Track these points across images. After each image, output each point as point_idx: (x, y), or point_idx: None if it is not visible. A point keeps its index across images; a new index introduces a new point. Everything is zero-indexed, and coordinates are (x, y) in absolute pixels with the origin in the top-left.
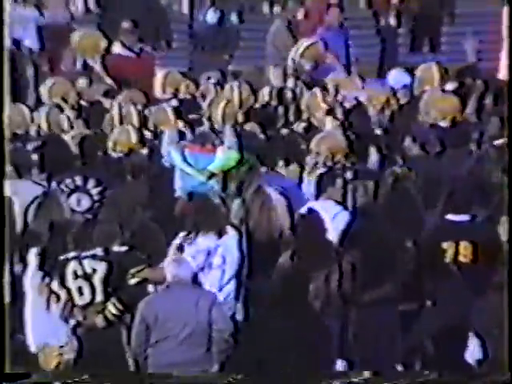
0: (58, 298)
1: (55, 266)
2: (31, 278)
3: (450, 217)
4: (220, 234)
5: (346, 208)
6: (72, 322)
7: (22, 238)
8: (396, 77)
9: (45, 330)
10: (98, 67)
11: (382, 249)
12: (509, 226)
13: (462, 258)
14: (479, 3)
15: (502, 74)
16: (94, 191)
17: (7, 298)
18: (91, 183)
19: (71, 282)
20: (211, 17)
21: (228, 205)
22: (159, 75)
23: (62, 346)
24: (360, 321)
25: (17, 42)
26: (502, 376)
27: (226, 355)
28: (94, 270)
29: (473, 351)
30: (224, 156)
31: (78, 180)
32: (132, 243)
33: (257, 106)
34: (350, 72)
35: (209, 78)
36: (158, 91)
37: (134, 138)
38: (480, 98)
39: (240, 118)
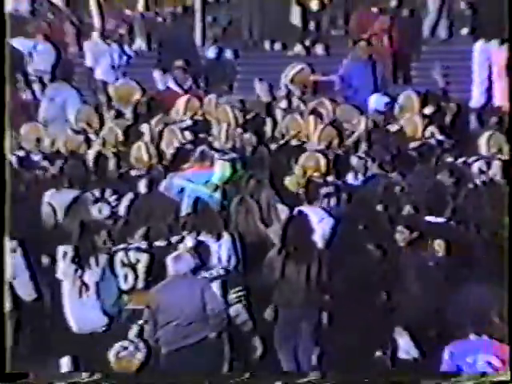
0: (87, 287)
1: (86, 259)
2: (66, 271)
3: (428, 218)
4: (219, 236)
5: (330, 214)
6: (136, 326)
7: (52, 236)
8: (376, 100)
9: (80, 315)
10: (128, 113)
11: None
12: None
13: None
14: (448, 43)
15: (474, 102)
16: (112, 199)
17: (33, 295)
18: (108, 193)
19: (119, 270)
20: (212, 53)
21: (228, 212)
22: (182, 100)
23: (133, 351)
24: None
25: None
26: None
27: (221, 326)
28: (138, 260)
29: (405, 348)
30: (221, 169)
31: (97, 192)
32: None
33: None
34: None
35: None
36: (179, 113)
37: (145, 155)
38: (452, 120)
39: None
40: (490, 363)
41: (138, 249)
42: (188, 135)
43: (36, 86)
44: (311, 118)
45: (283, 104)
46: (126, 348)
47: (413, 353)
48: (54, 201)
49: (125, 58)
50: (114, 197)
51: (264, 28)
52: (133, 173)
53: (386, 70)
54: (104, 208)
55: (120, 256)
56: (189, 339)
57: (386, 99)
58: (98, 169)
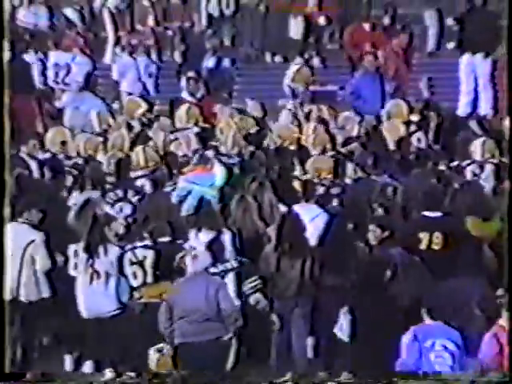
0: (98, 275)
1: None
2: (79, 260)
3: (425, 213)
4: (219, 232)
5: (326, 211)
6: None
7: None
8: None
9: (92, 301)
10: (137, 125)
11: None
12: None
13: (434, 246)
14: (436, 56)
15: (461, 111)
16: (134, 199)
17: (47, 293)
18: (131, 193)
19: (128, 268)
20: (212, 63)
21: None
22: (183, 109)
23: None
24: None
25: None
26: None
27: (236, 327)
28: (145, 257)
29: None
30: (221, 172)
31: (120, 193)
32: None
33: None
34: (383, 106)
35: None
36: (181, 121)
37: (141, 158)
38: (437, 127)
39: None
40: (446, 347)
41: (145, 246)
42: (196, 141)
43: (69, 95)
44: (307, 124)
45: (290, 105)
46: (161, 350)
47: (344, 334)
48: (78, 201)
49: (150, 70)
50: (137, 197)
51: (265, 42)
52: (139, 175)
53: (401, 82)
54: (125, 207)
55: (128, 255)
56: (202, 336)
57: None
58: (112, 171)
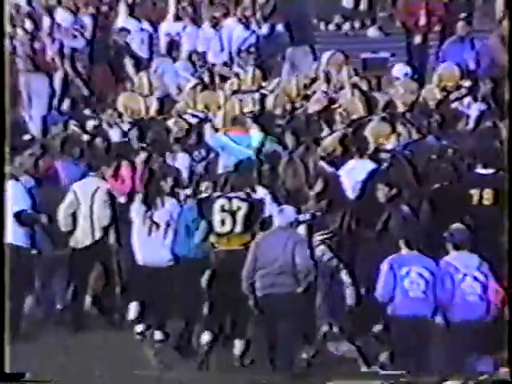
0: (158, 226)
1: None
2: (137, 211)
3: (478, 170)
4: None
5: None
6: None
7: None
8: (400, 68)
9: (147, 251)
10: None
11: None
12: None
13: (485, 202)
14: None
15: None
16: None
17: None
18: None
19: (216, 214)
20: (265, 30)
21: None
22: (250, 73)
23: None
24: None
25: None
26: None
27: (307, 281)
28: (239, 208)
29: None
30: (257, 134)
31: (203, 152)
32: None
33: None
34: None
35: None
36: (248, 84)
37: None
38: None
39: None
40: (421, 275)
41: (238, 198)
42: (256, 103)
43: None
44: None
45: (324, 87)
46: None
47: None
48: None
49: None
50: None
51: (318, 10)
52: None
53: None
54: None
55: (221, 202)
56: (276, 288)
57: (407, 69)
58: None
